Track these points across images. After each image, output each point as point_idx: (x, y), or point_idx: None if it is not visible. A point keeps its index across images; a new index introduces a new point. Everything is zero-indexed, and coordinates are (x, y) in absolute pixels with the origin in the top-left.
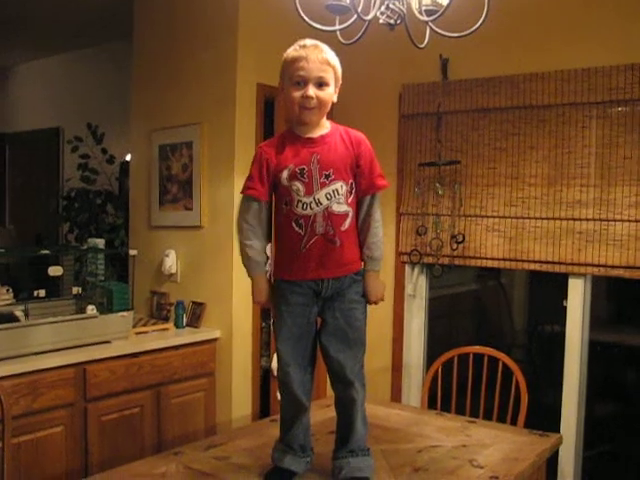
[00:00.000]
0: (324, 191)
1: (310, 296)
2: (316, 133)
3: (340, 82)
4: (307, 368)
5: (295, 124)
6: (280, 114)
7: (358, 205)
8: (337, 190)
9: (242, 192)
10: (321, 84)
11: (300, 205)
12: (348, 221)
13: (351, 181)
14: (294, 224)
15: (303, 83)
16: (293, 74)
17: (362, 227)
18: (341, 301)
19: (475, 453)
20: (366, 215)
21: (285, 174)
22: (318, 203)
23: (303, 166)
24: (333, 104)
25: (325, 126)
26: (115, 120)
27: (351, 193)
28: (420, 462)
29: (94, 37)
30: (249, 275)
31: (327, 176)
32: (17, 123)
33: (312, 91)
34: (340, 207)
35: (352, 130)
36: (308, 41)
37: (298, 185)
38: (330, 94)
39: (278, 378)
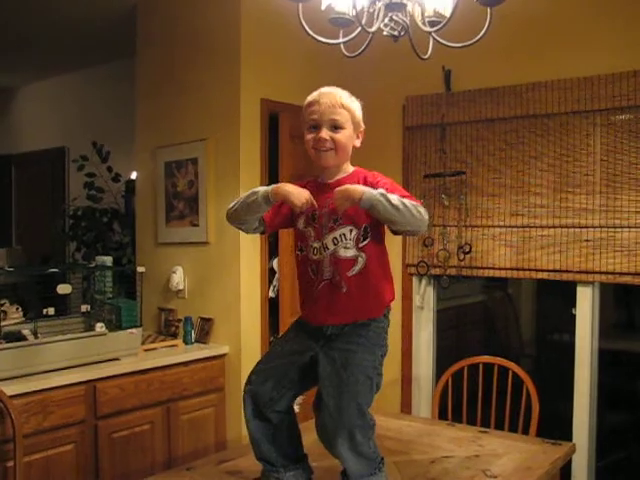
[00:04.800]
0: (331, 236)
1: (315, 331)
2: (334, 178)
3: (362, 127)
4: (276, 388)
5: (318, 170)
6: (284, 128)
7: None
8: (344, 235)
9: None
10: (336, 127)
11: (312, 250)
12: (358, 267)
13: (365, 225)
14: (309, 269)
15: (317, 127)
16: (307, 118)
17: None
18: (342, 342)
19: (488, 463)
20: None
21: (302, 220)
22: (325, 248)
23: (316, 212)
24: (355, 149)
25: (346, 171)
26: (120, 138)
27: (365, 238)
28: (433, 473)
29: (98, 57)
30: (266, 194)
31: (335, 220)
32: (23, 144)
33: (325, 133)
34: (347, 252)
35: (377, 173)
36: (326, 87)
37: (310, 231)
38: (347, 137)
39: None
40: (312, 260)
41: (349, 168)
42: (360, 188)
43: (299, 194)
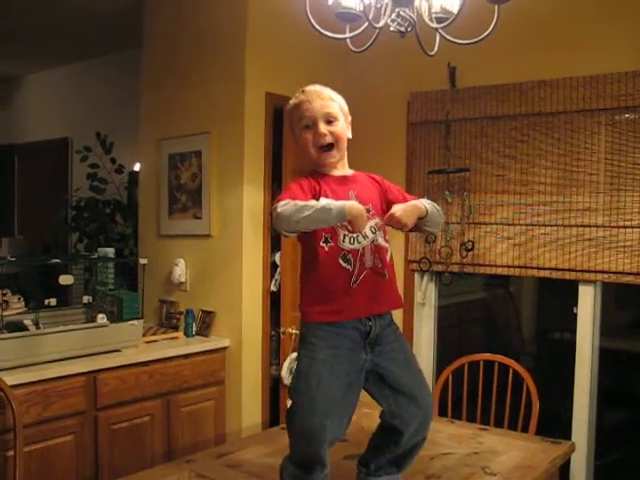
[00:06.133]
0: (369, 224)
1: (358, 340)
2: (345, 172)
3: (350, 118)
4: (345, 425)
5: (319, 169)
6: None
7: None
8: (377, 224)
9: (279, 199)
10: (330, 120)
11: (347, 239)
12: (389, 255)
13: (381, 218)
14: (341, 260)
15: (312, 124)
16: (300, 119)
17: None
18: (389, 340)
19: (487, 460)
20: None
21: None
22: (365, 236)
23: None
24: (349, 141)
25: (349, 169)
26: (124, 130)
27: (386, 230)
28: (432, 470)
29: (103, 47)
30: (340, 213)
31: (368, 210)
32: (26, 134)
33: (323, 128)
34: (382, 240)
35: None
36: (308, 86)
37: None
38: (342, 127)
39: (303, 426)
40: (347, 250)
41: (348, 168)
42: (419, 203)
43: (364, 221)
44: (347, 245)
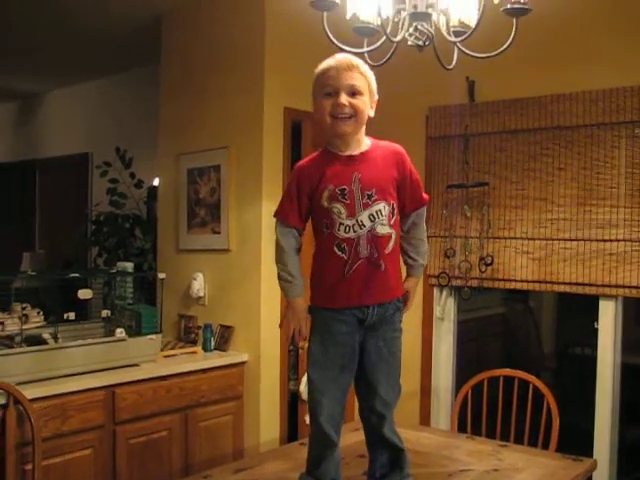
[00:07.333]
0: (367, 212)
1: (354, 324)
2: (356, 150)
3: (376, 96)
4: (341, 401)
5: (331, 140)
6: (307, 137)
7: (404, 218)
8: (380, 211)
9: (274, 215)
10: (354, 92)
11: (342, 228)
12: (391, 244)
13: (393, 202)
14: (336, 248)
15: (334, 93)
16: (324, 85)
17: (411, 236)
18: (385, 330)
19: (508, 477)
20: (417, 226)
21: (325, 195)
22: (361, 225)
23: (344, 186)
24: (369, 120)
25: (365, 143)
26: (143, 145)
27: (393, 214)
28: None
29: (122, 63)
30: (286, 298)
31: (369, 196)
32: (47, 149)
33: (344, 99)
34: (384, 229)
35: (391, 144)
36: (341, 54)
37: (339, 207)
38: (365, 103)
39: (308, 407)
40: (342, 238)
41: (366, 140)
42: (415, 281)
43: (295, 324)
44: (342, 234)
